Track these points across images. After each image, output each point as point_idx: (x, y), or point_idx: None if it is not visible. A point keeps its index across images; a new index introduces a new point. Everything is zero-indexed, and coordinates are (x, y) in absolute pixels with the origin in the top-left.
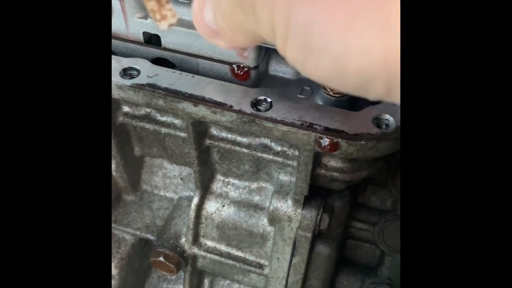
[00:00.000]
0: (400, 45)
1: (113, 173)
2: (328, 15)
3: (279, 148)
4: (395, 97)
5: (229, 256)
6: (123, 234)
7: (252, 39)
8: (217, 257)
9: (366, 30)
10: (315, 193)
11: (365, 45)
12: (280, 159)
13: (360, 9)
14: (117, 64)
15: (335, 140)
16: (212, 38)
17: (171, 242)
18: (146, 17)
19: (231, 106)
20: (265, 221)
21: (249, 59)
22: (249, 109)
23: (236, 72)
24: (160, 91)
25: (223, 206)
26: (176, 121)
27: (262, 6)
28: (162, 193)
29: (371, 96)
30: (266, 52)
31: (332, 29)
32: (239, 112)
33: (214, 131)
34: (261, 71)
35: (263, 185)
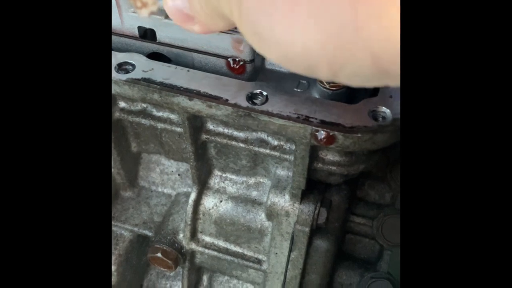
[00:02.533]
0: (397, 36)
1: None
2: (269, 4)
3: (275, 143)
4: (342, 79)
5: (227, 251)
6: (121, 231)
7: (228, 22)
8: (215, 253)
9: (302, 17)
10: (313, 188)
11: (303, 31)
12: (277, 154)
13: None
14: (112, 59)
15: (331, 133)
16: (184, 23)
17: (169, 238)
18: None
19: (227, 100)
20: (262, 216)
21: (244, 53)
22: (244, 103)
23: (231, 66)
24: (155, 85)
25: (221, 201)
26: (172, 116)
27: None
28: (159, 189)
29: (320, 77)
30: None
31: (274, 17)
32: (234, 105)
33: (210, 125)
34: (257, 65)
35: (261, 180)
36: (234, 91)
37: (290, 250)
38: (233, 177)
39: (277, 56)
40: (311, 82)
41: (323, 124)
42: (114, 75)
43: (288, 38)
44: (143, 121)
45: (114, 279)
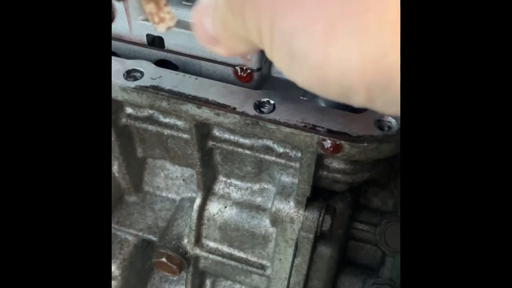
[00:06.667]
0: (390, 50)
1: (116, 174)
2: (307, 25)
3: (281, 150)
4: (378, 106)
5: (231, 257)
6: (126, 235)
7: (249, 46)
8: (219, 258)
9: (343, 40)
10: (317, 195)
11: (343, 54)
12: (282, 161)
13: (337, 20)
14: (121, 66)
15: (337, 142)
16: (212, 46)
17: (173, 243)
18: None
19: (234, 108)
20: (267, 222)
21: (252, 62)
22: (252, 111)
23: (239, 74)
24: (164, 93)
25: (225, 207)
26: (179, 123)
27: (249, 13)
28: (164, 194)
29: (354, 104)
30: None
31: (312, 38)
32: (242, 114)
33: (217, 132)
34: (264, 73)
35: (265, 186)
36: (242, 100)
37: (294, 256)
38: (238, 183)
39: (311, 80)
40: None
41: (330, 133)
42: (123, 82)
43: (325, 62)
44: (150, 127)
45: (118, 283)
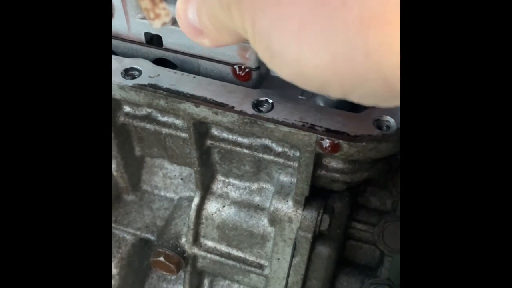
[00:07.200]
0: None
1: (114, 173)
2: (282, 24)
3: (280, 149)
4: (355, 99)
5: (229, 256)
6: (123, 234)
7: (236, 37)
8: (217, 257)
9: (314, 38)
10: (316, 194)
11: (314, 51)
12: (281, 160)
13: (309, 19)
14: (119, 64)
15: (336, 142)
16: (195, 37)
17: (171, 242)
18: None
19: (233, 107)
20: (265, 221)
21: (250, 60)
22: (250, 110)
23: (237, 73)
24: (162, 91)
25: (224, 206)
26: (177, 122)
27: (234, 10)
28: (162, 193)
29: (332, 96)
30: None
31: (286, 36)
32: (240, 113)
33: (215, 131)
34: (262, 72)
35: (264, 185)
36: (240, 98)
37: (293, 256)
38: (236, 182)
39: (289, 75)
40: None
41: (328, 132)
42: (121, 80)
43: (300, 58)
44: (148, 126)
45: (116, 282)
